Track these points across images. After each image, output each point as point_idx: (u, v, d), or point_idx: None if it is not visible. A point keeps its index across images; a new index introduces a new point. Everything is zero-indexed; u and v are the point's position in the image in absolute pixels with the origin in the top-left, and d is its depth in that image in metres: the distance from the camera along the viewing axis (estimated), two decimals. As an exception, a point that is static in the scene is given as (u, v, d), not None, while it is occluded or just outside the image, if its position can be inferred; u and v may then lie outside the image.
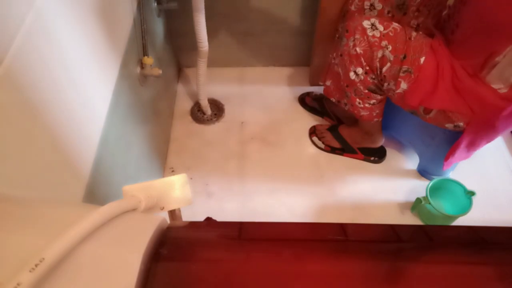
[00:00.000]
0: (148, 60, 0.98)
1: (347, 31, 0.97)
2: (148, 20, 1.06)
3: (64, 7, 0.59)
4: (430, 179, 1.23)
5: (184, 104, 1.48)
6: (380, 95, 1.03)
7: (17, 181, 0.47)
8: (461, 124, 0.95)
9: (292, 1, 1.33)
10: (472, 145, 0.99)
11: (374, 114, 1.10)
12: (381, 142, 1.27)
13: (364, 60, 0.96)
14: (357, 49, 0.95)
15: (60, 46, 0.57)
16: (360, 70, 0.98)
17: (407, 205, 1.20)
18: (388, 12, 1.03)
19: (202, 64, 1.21)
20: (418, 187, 1.24)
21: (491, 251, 0.35)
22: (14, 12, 0.46)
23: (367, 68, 0.97)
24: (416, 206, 1.14)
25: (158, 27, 1.22)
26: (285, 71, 1.58)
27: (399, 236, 0.35)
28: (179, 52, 1.52)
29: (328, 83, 1.17)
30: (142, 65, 0.99)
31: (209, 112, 1.42)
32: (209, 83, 1.33)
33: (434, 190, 1.12)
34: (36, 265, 0.23)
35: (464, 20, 0.88)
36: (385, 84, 0.98)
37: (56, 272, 0.25)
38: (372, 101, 1.05)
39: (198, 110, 1.44)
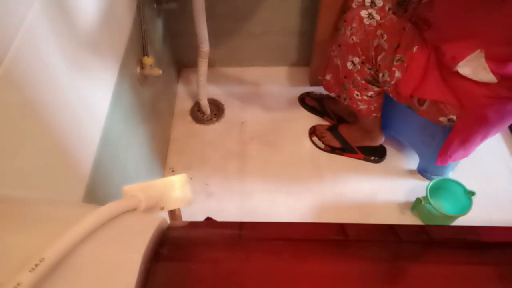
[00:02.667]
0: (148, 60, 0.98)
1: (345, 21, 1.00)
2: (148, 20, 1.06)
3: (63, 7, 0.59)
4: (430, 179, 1.23)
5: (184, 104, 1.48)
6: (378, 87, 1.04)
7: (17, 181, 0.47)
8: (454, 117, 0.95)
9: (292, 1, 1.33)
10: (467, 141, 0.99)
11: (373, 108, 1.11)
12: (381, 140, 1.27)
13: (361, 49, 0.98)
14: (354, 38, 0.98)
15: (60, 46, 0.57)
16: (357, 60, 1.00)
17: (407, 205, 1.20)
18: (389, 9, 1.04)
19: (203, 64, 1.21)
20: (418, 187, 1.24)
21: (491, 251, 0.35)
22: (14, 12, 0.46)
23: (363, 57, 0.99)
24: (416, 206, 1.14)
25: (158, 27, 1.22)
26: (285, 71, 1.58)
27: (399, 236, 0.35)
28: (179, 52, 1.52)
29: (328, 77, 1.18)
30: (142, 65, 0.99)
31: (209, 112, 1.42)
32: (209, 83, 1.33)
33: (434, 190, 1.12)
34: (36, 265, 0.23)
35: (433, 18, 0.91)
36: (380, 75, 1.00)
37: (56, 272, 0.25)
38: (370, 93, 1.06)
39: (198, 110, 1.44)
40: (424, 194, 1.10)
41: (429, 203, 1.08)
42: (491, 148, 1.33)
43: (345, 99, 1.14)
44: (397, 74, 0.95)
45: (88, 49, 0.68)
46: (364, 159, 1.30)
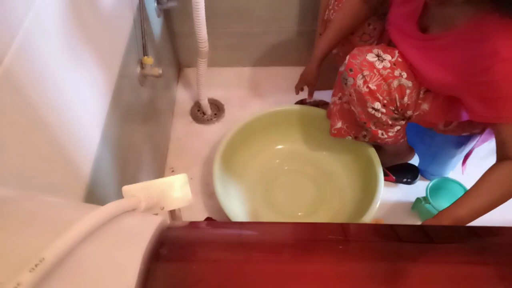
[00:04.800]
0: (148, 60, 0.98)
1: (351, 70, 0.89)
2: (148, 20, 1.06)
3: (63, 7, 0.59)
4: (430, 179, 1.23)
5: (184, 104, 1.48)
6: (404, 120, 0.97)
7: (17, 181, 0.47)
8: (477, 131, 0.94)
9: (292, 1, 1.33)
10: (486, 141, 0.99)
11: (400, 137, 1.03)
12: (412, 156, 1.21)
13: (380, 94, 0.88)
14: (370, 85, 0.87)
15: (60, 46, 0.57)
16: (378, 105, 0.90)
17: (407, 205, 1.20)
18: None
19: (202, 64, 1.21)
20: (418, 187, 1.24)
21: (491, 251, 0.35)
22: (14, 12, 0.46)
23: (385, 101, 0.89)
24: (416, 206, 1.14)
25: (158, 27, 1.22)
26: (285, 71, 1.58)
27: (399, 236, 0.36)
28: (179, 52, 1.52)
29: (338, 125, 1.09)
30: (142, 65, 0.99)
31: (209, 112, 1.42)
32: (209, 83, 1.33)
33: (434, 190, 1.12)
34: (36, 265, 0.23)
35: None
36: (408, 112, 0.93)
37: (56, 272, 0.25)
38: (396, 128, 0.98)
39: (198, 110, 1.44)
40: (424, 194, 1.10)
41: (429, 203, 1.08)
42: (491, 148, 1.33)
43: (364, 136, 1.07)
44: (424, 106, 0.90)
45: (88, 49, 0.68)
46: (396, 181, 1.24)
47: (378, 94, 0.88)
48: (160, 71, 1.00)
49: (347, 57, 0.91)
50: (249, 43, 1.49)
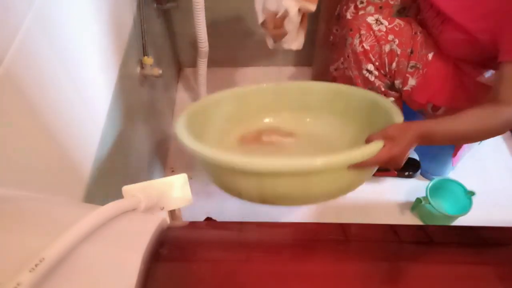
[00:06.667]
0: (148, 60, 0.98)
1: (351, 29, 0.94)
2: (148, 20, 1.06)
3: (63, 7, 0.59)
4: (430, 179, 1.23)
5: (184, 104, 1.47)
6: (396, 92, 1.00)
7: (17, 181, 0.47)
8: None
9: (292, 1, 1.32)
10: None
11: None
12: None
13: (373, 55, 0.93)
14: (364, 45, 0.93)
15: (60, 46, 0.57)
16: (371, 66, 0.95)
17: (407, 205, 1.20)
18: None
19: (202, 64, 1.21)
20: (418, 187, 1.24)
21: (491, 251, 0.35)
22: (14, 12, 0.46)
23: (377, 63, 0.94)
24: (416, 206, 1.14)
25: (158, 27, 1.22)
26: (286, 71, 1.58)
27: (399, 236, 0.36)
28: (179, 52, 1.52)
29: None
30: (142, 65, 0.99)
31: (209, 112, 1.42)
32: (209, 83, 1.33)
33: (434, 190, 1.12)
34: (36, 265, 0.23)
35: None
36: (397, 82, 0.96)
37: (56, 272, 0.25)
38: (390, 100, 0.98)
39: (198, 110, 1.44)
40: (424, 194, 1.10)
41: (429, 203, 1.08)
42: (491, 148, 1.33)
43: None
44: (411, 81, 0.92)
45: (88, 49, 0.68)
46: (398, 176, 1.24)
47: (370, 55, 0.93)
48: (160, 71, 1.00)
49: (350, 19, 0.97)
50: (249, 43, 1.49)
